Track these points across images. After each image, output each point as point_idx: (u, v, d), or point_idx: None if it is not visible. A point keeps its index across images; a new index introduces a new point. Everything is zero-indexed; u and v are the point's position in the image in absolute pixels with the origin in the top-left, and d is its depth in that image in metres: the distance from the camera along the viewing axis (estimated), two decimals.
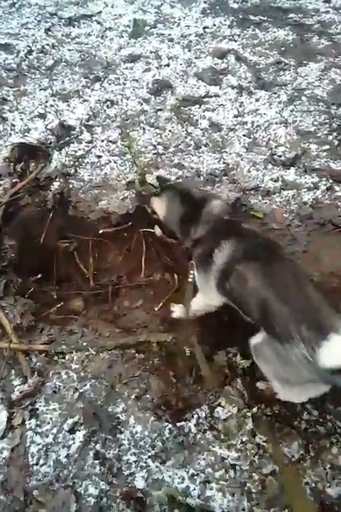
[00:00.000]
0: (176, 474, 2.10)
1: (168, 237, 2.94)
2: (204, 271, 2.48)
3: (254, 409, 2.34)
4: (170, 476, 2.09)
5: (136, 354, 2.50)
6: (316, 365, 1.96)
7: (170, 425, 2.24)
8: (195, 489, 2.06)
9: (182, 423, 2.27)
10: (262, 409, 2.35)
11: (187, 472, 2.11)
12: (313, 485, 2.11)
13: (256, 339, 2.24)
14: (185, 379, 2.43)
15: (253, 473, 2.13)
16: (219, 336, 2.68)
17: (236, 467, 2.14)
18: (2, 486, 2.01)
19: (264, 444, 2.22)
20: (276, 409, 2.35)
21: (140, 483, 2.06)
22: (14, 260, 3.00)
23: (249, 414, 2.32)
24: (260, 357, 2.25)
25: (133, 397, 2.33)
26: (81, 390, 2.34)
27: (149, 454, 2.15)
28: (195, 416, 2.29)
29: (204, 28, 5.18)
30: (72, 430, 2.19)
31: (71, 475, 2.05)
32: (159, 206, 2.82)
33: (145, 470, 2.10)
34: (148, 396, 2.34)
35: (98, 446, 2.15)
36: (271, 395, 2.36)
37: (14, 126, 3.96)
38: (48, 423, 2.21)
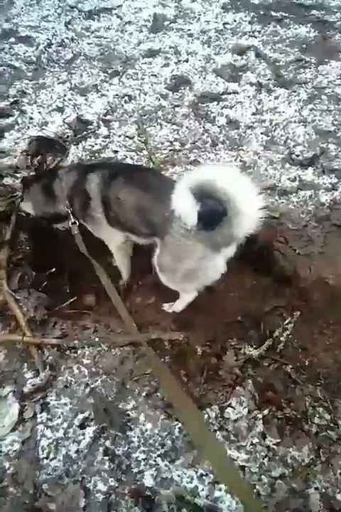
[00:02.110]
0: (185, 474, 2.09)
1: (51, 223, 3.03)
2: (91, 218, 2.68)
3: (265, 412, 2.31)
4: (178, 476, 2.08)
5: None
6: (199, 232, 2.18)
7: (180, 424, 2.23)
8: (203, 489, 2.05)
9: None
10: (273, 412, 2.33)
11: (196, 472, 2.10)
12: (323, 490, 2.09)
13: (155, 255, 2.47)
14: (195, 378, 2.42)
15: (263, 476, 2.11)
16: (227, 333, 2.67)
17: (246, 469, 2.12)
18: (12, 479, 2.02)
19: (274, 447, 2.21)
20: (287, 413, 2.32)
21: (149, 482, 2.05)
22: (29, 253, 3.01)
23: (259, 416, 2.29)
24: (164, 268, 2.47)
25: (143, 394, 2.32)
26: (92, 386, 2.33)
27: (158, 452, 2.14)
28: (205, 416, 2.28)
29: (224, 23, 5.15)
30: (82, 425, 2.19)
31: (80, 470, 2.05)
32: (27, 206, 3.01)
33: (154, 468, 2.09)
34: (158, 394, 2.33)
35: (108, 443, 2.14)
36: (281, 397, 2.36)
37: (32, 119, 3.97)
38: (59, 417, 2.22)
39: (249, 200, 2.07)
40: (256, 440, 2.21)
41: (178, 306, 2.77)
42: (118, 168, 2.66)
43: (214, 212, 2.12)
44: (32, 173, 3.17)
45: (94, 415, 2.23)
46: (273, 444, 2.21)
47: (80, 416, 2.23)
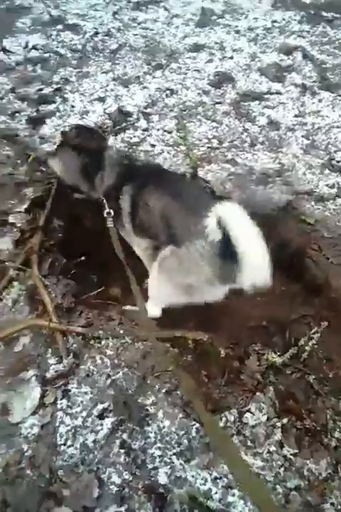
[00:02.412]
0: (199, 475, 2.08)
1: (73, 192, 3.01)
2: (118, 221, 2.69)
3: (284, 421, 2.27)
4: (193, 476, 2.07)
5: (170, 348, 2.49)
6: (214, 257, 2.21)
7: (197, 425, 2.21)
8: (216, 493, 2.03)
9: None
10: (292, 422, 2.29)
11: (211, 474, 2.08)
12: (339, 507, 2.05)
13: (162, 253, 2.45)
14: (216, 380, 2.40)
15: (278, 486, 2.08)
16: (251, 337, 2.65)
17: (261, 477, 2.10)
18: (30, 461, 2.05)
19: (291, 457, 2.17)
20: (307, 424, 2.28)
21: (162, 479, 2.05)
22: (61, 240, 3.05)
23: (278, 424, 2.26)
24: (165, 269, 2.44)
25: (163, 391, 2.32)
26: (113, 377, 2.35)
27: (174, 450, 2.13)
28: (224, 419, 2.26)
29: (272, 21, 5.07)
30: (101, 416, 2.21)
31: (96, 460, 2.07)
32: (55, 164, 2.97)
33: (168, 466, 2.09)
34: (178, 392, 2.32)
35: (125, 436, 2.15)
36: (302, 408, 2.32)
37: (74, 107, 4.01)
38: (79, 406, 2.24)
39: (260, 261, 2.11)
40: (273, 448, 2.18)
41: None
42: (151, 176, 2.63)
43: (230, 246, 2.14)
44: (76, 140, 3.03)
45: (113, 407, 2.24)
46: (291, 455, 2.18)
47: (99, 406, 2.24)
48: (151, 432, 2.18)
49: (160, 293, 2.56)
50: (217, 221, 2.12)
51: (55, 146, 3.05)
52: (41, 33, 4.90)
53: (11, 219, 3.04)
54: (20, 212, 3.10)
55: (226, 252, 2.16)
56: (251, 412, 2.29)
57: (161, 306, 2.63)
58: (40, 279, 2.72)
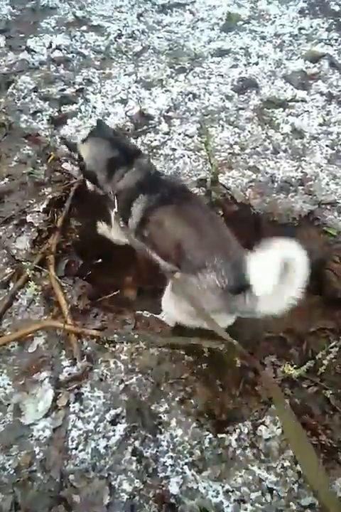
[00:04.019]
0: (211, 487, 2.06)
1: (92, 183, 2.93)
2: (123, 219, 2.66)
3: None
4: (204, 488, 2.05)
5: (186, 356, 2.47)
6: (225, 292, 2.22)
7: (210, 435, 2.20)
8: (228, 506, 2.01)
9: (224, 435, 2.22)
10: (308, 437, 2.25)
11: (223, 487, 2.06)
12: None
13: (175, 277, 2.41)
14: (231, 390, 2.38)
15: (291, 503, 2.05)
16: (267, 348, 2.62)
17: (274, 492, 2.07)
18: (41, 464, 2.06)
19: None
20: (323, 440, 2.24)
21: (174, 489, 2.04)
22: (78, 241, 3.06)
23: None
24: (177, 294, 2.41)
25: (177, 399, 2.31)
26: (127, 383, 2.34)
27: (186, 460, 2.12)
28: (237, 430, 2.24)
29: (299, 28, 5.03)
30: (113, 422, 2.20)
31: (107, 467, 2.06)
32: (85, 149, 2.88)
33: (180, 476, 2.07)
34: (192, 401, 2.31)
35: (137, 443, 2.15)
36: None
37: (95, 108, 4.04)
38: (91, 410, 2.24)
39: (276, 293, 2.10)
40: (287, 463, 2.16)
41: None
42: (170, 193, 2.57)
43: (241, 281, 2.20)
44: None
45: (126, 413, 2.24)
46: None
47: (112, 412, 2.24)
48: (164, 441, 2.18)
49: (172, 313, 2.55)
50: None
51: (89, 133, 3.02)
52: (65, 33, 4.94)
53: (28, 218, 3.08)
54: (38, 212, 3.13)
55: (238, 287, 2.20)
56: (265, 425, 2.27)
57: (173, 322, 2.62)
58: (56, 279, 2.74)
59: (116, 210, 2.70)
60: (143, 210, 2.54)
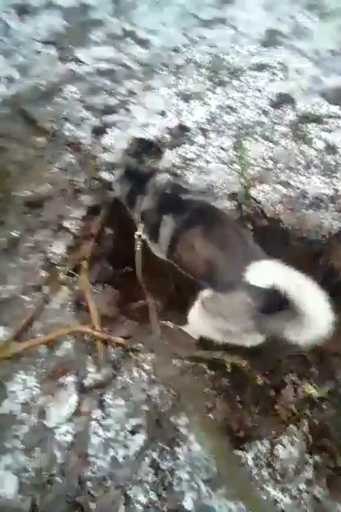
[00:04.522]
0: (225, 505, 1.95)
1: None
2: (153, 242, 2.64)
3: (317, 458, 2.10)
4: (219, 506, 1.94)
5: (208, 370, 2.36)
6: (256, 311, 2.09)
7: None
8: None
9: (240, 452, 2.10)
10: (325, 460, 2.11)
11: (237, 506, 1.95)
12: None
13: (205, 294, 2.31)
14: (250, 407, 2.25)
15: None
16: (288, 366, 2.46)
17: None
18: (60, 469, 2.00)
19: (322, 498, 1.99)
20: (340, 464, 2.09)
21: (188, 504, 1.94)
22: (111, 249, 3.00)
23: (310, 461, 2.09)
24: (206, 311, 2.30)
25: (197, 413, 2.20)
26: (149, 393, 2.25)
27: (202, 476, 2.01)
28: (254, 448, 2.12)
29: (338, 44, 4.79)
30: (133, 431, 2.12)
31: (124, 476, 1.99)
32: (115, 186, 2.95)
33: (195, 492, 1.97)
34: (211, 416, 2.20)
35: (155, 455, 2.06)
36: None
37: (135, 119, 3.97)
38: (112, 418, 2.16)
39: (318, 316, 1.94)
40: (302, 486, 2.03)
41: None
42: (197, 213, 2.47)
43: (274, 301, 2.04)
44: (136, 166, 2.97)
45: (146, 424, 2.15)
46: (321, 495, 2.00)
47: (133, 421, 2.16)
48: (181, 454, 2.08)
49: (199, 329, 2.43)
50: (262, 277, 2.04)
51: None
52: (112, 45, 4.89)
53: (66, 224, 3.05)
54: (75, 218, 3.10)
55: (270, 307, 2.06)
56: (282, 445, 2.14)
57: (198, 335, 2.51)
58: (88, 285, 2.68)
59: (141, 233, 2.67)
60: (170, 231, 2.47)
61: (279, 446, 2.13)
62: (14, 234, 2.99)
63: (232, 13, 5.46)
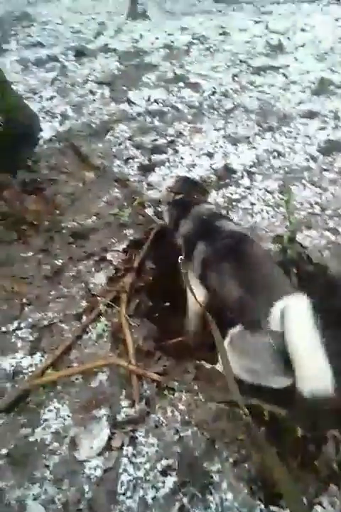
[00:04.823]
0: None
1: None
2: (190, 266, 2.61)
3: None
4: None
5: (244, 416, 2.25)
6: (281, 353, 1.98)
7: (262, 505, 1.95)
8: None
9: (275, 509, 1.97)
10: None
11: None
12: None
13: (234, 330, 2.24)
14: (288, 461, 2.12)
15: None
16: (330, 420, 2.32)
17: None
18: (88, 504, 1.92)
19: None
20: None
21: None
22: (150, 283, 2.99)
23: None
24: (234, 348, 2.23)
25: (231, 460, 2.09)
26: (182, 434, 2.16)
27: None
28: None
29: None
30: (164, 472, 2.03)
31: None
32: (164, 213, 3.03)
33: None
34: (246, 465, 2.07)
35: (185, 500, 1.95)
36: None
37: (183, 159, 4.02)
38: (143, 456, 2.08)
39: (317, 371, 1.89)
40: None
41: None
42: (231, 244, 2.44)
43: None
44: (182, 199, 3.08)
45: (178, 466, 2.05)
46: None
47: (164, 462, 2.07)
48: (212, 502, 1.96)
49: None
50: (281, 317, 1.98)
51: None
52: (163, 88, 5.03)
53: (108, 256, 3.06)
54: (118, 251, 3.11)
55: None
56: (322, 506, 1.98)
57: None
58: (126, 318, 2.65)
59: (182, 257, 2.66)
60: (202, 258, 2.48)
61: (318, 507, 1.98)
62: (58, 262, 3.03)
63: (284, 61, 5.54)
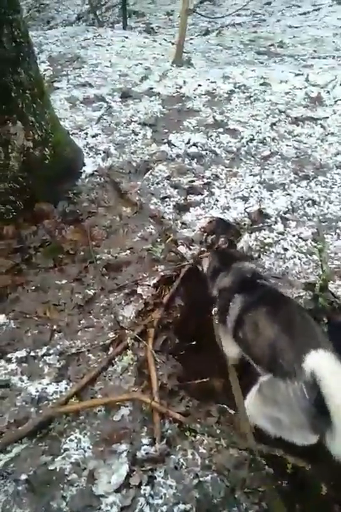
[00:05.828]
0: None
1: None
2: (222, 320, 2.57)
3: None
4: None
5: (266, 466, 2.12)
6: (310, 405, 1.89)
7: None
8: None
9: None
10: None
11: None
12: None
13: (264, 378, 2.18)
14: None
15: None
16: None
17: None
18: None
19: None
20: None
21: None
22: (178, 320, 2.94)
23: None
24: (262, 395, 2.17)
25: (251, 511, 1.97)
26: (201, 479, 2.05)
27: None
28: None
29: None
30: None
31: None
32: (204, 262, 3.02)
33: None
34: None
35: None
36: None
37: (218, 201, 4.00)
38: (161, 498, 1.98)
39: None
40: None
41: None
42: (265, 296, 2.46)
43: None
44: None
45: None
46: None
47: (181, 506, 1.97)
48: None
49: (253, 414, 2.22)
50: (311, 372, 1.89)
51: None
52: (203, 132, 5.07)
53: (139, 290, 3.07)
54: (148, 285, 3.11)
55: (321, 406, 1.84)
56: None
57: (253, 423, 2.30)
58: (152, 354, 2.60)
59: (215, 309, 2.65)
60: (238, 310, 2.43)
61: None
62: (90, 292, 3.04)
63: (322, 113, 5.50)
